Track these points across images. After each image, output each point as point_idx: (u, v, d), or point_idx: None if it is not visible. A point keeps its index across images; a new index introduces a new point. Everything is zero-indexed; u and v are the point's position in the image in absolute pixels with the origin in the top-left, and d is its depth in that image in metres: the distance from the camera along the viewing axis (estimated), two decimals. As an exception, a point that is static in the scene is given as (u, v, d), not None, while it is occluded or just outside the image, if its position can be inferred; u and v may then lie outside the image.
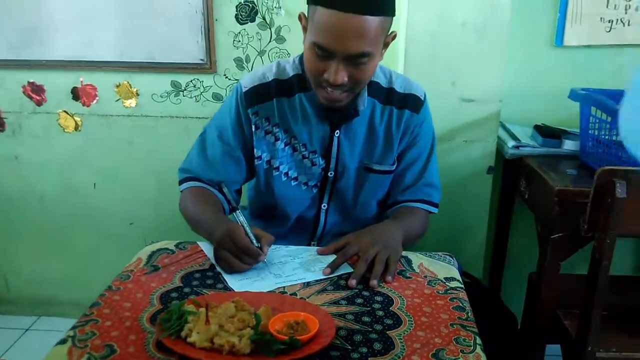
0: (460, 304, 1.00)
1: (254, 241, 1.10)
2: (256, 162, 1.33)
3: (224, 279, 1.07)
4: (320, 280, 1.07)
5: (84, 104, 2.04)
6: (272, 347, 0.84)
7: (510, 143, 1.76)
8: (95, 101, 2.03)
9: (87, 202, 2.17)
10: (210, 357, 0.83)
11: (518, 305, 1.77)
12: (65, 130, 2.09)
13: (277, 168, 1.33)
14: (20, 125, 2.08)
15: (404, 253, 1.18)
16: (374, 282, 1.04)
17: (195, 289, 1.04)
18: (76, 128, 2.08)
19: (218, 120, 1.35)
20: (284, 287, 1.05)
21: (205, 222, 1.21)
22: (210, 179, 1.32)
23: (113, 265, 2.17)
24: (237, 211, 1.14)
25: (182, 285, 1.05)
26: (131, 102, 2.02)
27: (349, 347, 0.87)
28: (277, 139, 1.31)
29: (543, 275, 1.57)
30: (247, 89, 1.29)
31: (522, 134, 1.83)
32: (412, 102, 1.33)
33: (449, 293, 1.03)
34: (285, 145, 1.31)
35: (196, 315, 0.89)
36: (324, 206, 1.37)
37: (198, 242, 1.23)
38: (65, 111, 2.06)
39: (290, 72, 1.29)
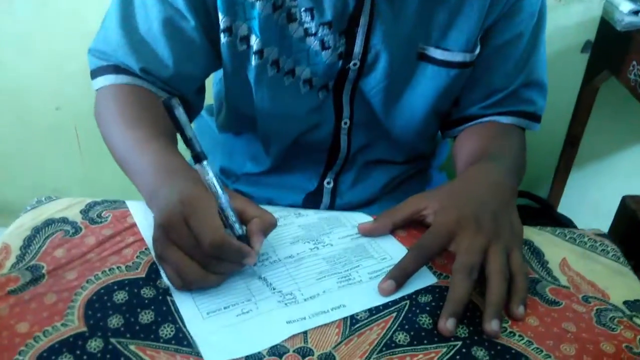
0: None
1: (236, 227, 0.53)
2: (222, 38, 0.70)
3: (178, 313, 0.51)
4: (378, 311, 0.52)
5: None
6: None
7: (625, 6, 1.14)
8: None
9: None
10: None
11: (579, 224, 1.30)
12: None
13: (260, 53, 0.70)
14: None
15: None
16: (492, 326, 0.50)
17: (112, 340, 0.48)
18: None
19: None
20: (304, 332, 0.50)
21: (139, 169, 0.61)
22: (146, 72, 0.70)
23: (39, 163, 1.64)
24: (205, 162, 0.54)
25: (85, 330, 0.49)
26: None
27: None
28: None
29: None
30: None
31: (636, -9, 1.20)
32: None
33: (656, 353, 0.50)
34: (274, 9, 0.68)
35: None
36: (345, 123, 0.78)
37: (128, 204, 0.65)
38: None
39: None
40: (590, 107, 1.44)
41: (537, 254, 0.60)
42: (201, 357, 0.47)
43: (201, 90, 0.78)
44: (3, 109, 1.59)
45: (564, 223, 1.32)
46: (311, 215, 0.64)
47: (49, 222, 0.61)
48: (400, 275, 0.54)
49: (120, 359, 0.46)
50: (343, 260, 0.57)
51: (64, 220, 0.61)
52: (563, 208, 1.57)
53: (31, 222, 0.61)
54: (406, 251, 0.57)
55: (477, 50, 0.73)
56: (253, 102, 0.75)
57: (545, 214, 1.31)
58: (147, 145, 0.62)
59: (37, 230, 0.60)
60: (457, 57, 0.73)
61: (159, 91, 0.71)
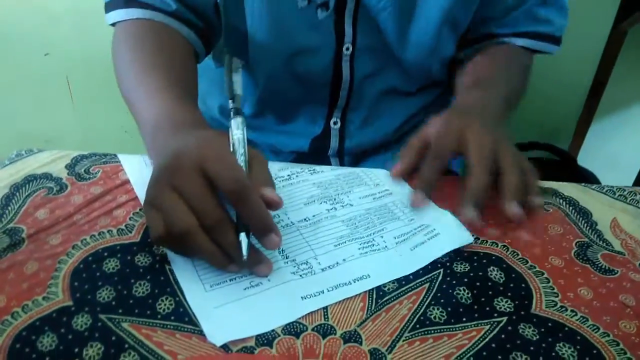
0: None
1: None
2: None
3: (177, 285, 0.44)
4: (408, 281, 0.45)
5: None
6: None
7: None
8: None
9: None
10: None
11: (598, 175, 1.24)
12: None
13: None
14: None
15: (565, 191, 0.55)
16: (512, 208, 0.49)
17: (102, 317, 0.41)
18: None
19: None
20: (324, 309, 0.43)
21: (148, 118, 0.53)
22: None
23: (28, 113, 1.56)
24: (240, 118, 0.48)
25: (71, 303, 0.42)
26: None
27: None
28: None
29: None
30: None
31: None
32: None
33: None
34: None
35: None
36: (348, 48, 0.69)
37: (120, 157, 0.57)
38: None
39: None
40: (617, 53, 1.35)
41: (585, 214, 0.53)
42: (204, 335, 0.40)
43: (217, 8, 0.70)
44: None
45: (586, 177, 1.25)
46: (327, 172, 0.57)
47: (29, 179, 0.54)
48: (425, 186, 0.51)
49: (112, 338, 0.40)
50: (365, 223, 0.50)
51: (47, 177, 0.54)
52: (582, 160, 1.50)
53: (9, 178, 0.54)
54: (444, 215, 0.51)
55: None
56: (245, 23, 0.67)
57: (566, 166, 1.24)
58: (159, 95, 0.54)
59: (16, 188, 0.53)
60: None
61: (174, 22, 0.64)
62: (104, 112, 1.48)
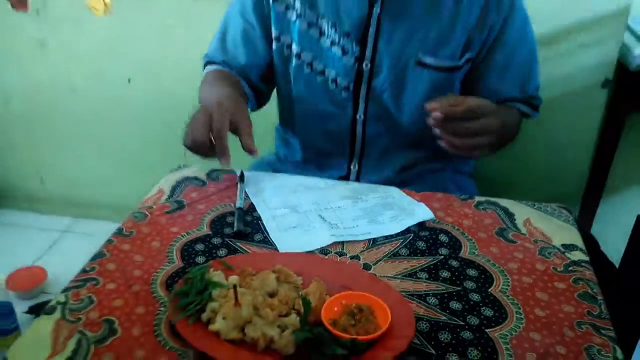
0: (590, 290, 0.71)
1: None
2: (274, 44, 1.05)
3: (264, 227, 0.82)
4: (391, 237, 0.80)
5: (114, -18, 1.74)
6: (326, 350, 0.60)
7: (638, 50, 1.37)
8: (126, -22, 1.72)
9: (122, 97, 1.93)
10: (238, 357, 0.60)
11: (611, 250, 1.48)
12: (94, 12, 1.80)
13: (299, 55, 1.02)
14: (45, 3, 1.81)
15: (502, 203, 0.89)
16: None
17: (227, 240, 0.79)
18: (105, 10, 1.79)
19: None
20: (342, 242, 0.79)
21: (207, 92, 0.99)
22: (227, 64, 1.08)
23: (152, 170, 1.98)
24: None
25: (211, 233, 0.81)
26: (167, -20, 1.70)
27: (432, 352, 0.62)
28: (298, 16, 1.00)
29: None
30: None
31: (651, 37, 1.43)
32: None
33: (572, 272, 0.75)
34: (309, 26, 1.00)
35: (224, 288, 0.65)
36: (360, 116, 1.05)
37: (235, 169, 0.97)
38: (92, -11, 1.76)
39: None
40: (617, 139, 1.64)
41: (510, 215, 0.86)
42: (277, 250, 0.77)
43: (265, 78, 1.10)
44: (124, 124, 1.97)
45: (588, 239, 1.52)
46: (355, 185, 0.94)
47: (186, 178, 0.95)
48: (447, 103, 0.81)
49: (231, 248, 0.78)
50: (374, 211, 0.86)
51: (196, 178, 0.95)
52: (595, 230, 1.74)
53: (174, 177, 0.95)
54: (420, 205, 0.86)
55: (464, 57, 0.99)
56: (291, 95, 1.07)
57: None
58: (215, 87, 0.99)
59: (179, 182, 0.93)
60: (445, 62, 0.98)
61: (235, 75, 1.07)
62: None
